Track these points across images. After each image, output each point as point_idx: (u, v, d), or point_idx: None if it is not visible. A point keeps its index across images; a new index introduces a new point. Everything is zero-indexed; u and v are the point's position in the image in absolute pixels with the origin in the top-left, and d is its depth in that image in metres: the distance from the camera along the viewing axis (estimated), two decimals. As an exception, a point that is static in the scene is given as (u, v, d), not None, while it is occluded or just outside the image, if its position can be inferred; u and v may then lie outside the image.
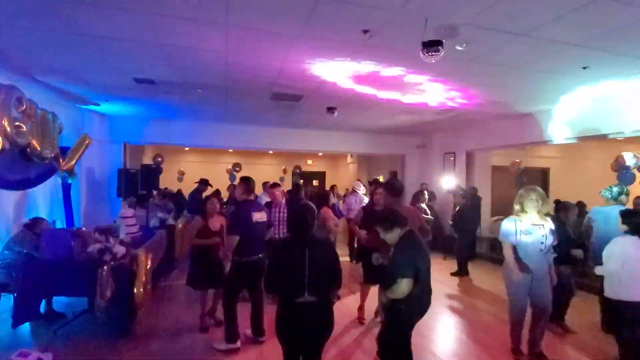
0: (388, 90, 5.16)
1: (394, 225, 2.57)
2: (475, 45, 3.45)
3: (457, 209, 6.73)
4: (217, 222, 4.03)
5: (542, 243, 3.17)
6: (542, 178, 9.76)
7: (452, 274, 6.36)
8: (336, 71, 4.36)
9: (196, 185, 7.43)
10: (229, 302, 3.51)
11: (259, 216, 3.53)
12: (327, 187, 14.02)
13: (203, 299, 4.06)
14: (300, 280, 2.28)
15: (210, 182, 7.66)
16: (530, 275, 3.20)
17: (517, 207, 3.28)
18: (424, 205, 7.27)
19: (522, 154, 8.73)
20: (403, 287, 2.42)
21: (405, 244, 2.55)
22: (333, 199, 7.11)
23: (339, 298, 2.49)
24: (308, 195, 8.63)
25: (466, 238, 6.45)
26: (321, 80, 4.72)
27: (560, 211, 4.01)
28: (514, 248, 3.23)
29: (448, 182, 8.29)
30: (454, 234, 7.77)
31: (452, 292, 5.51)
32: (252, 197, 3.63)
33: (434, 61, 3.20)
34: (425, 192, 7.49)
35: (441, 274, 6.33)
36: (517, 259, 3.21)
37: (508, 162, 8.37)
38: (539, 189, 3.31)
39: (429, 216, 7.19)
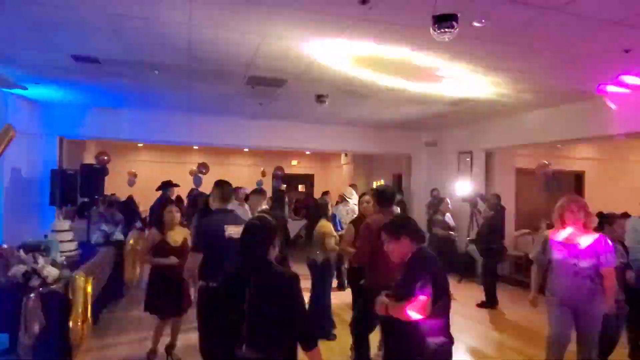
0: (390, 75, 5.20)
1: (402, 234, 2.47)
2: (496, 22, 3.49)
3: (482, 222, 6.76)
4: (178, 236, 4.03)
5: (574, 264, 3.25)
6: (575, 183, 9.98)
7: (480, 306, 6.26)
8: (327, 50, 4.37)
9: (160, 192, 7.26)
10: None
11: (234, 230, 3.36)
12: (314, 194, 14.06)
13: (158, 331, 4.04)
14: (237, 324, 1.98)
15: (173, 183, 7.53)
16: (570, 304, 3.31)
17: (556, 219, 3.43)
18: (448, 217, 7.32)
19: (552, 155, 8.91)
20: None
21: (420, 260, 2.42)
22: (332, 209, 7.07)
23: None
24: (293, 204, 8.63)
25: (493, 258, 6.43)
26: (309, 61, 4.72)
27: (604, 225, 4.05)
28: (540, 269, 3.48)
29: (463, 188, 8.37)
30: (470, 252, 7.86)
31: (472, 323, 5.52)
32: (228, 206, 3.60)
33: (447, 39, 3.23)
34: (448, 199, 7.53)
35: (459, 302, 6.11)
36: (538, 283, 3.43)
37: (535, 164, 8.53)
38: (581, 199, 3.48)
39: (452, 232, 7.25)
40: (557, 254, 3.35)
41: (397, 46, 4.19)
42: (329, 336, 4.72)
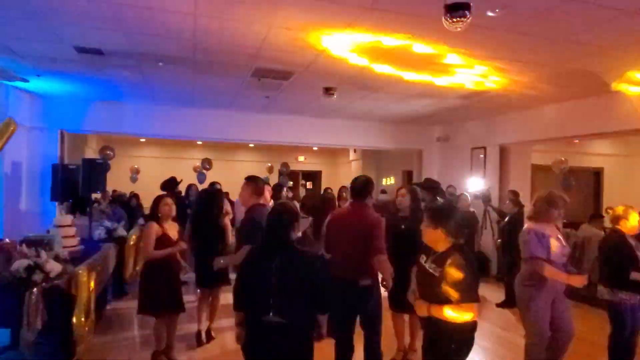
0: (401, 67, 5.20)
1: (443, 221, 2.52)
2: (512, 11, 3.48)
3: (506, 219, 6.71)
4: (173, 230, 4.11)
5: (563, 256, 3.52)
6: (594, 180, 9.91)
7: (500, 305, 6.22)
8: (336, 41, 4.38)
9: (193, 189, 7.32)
10: None
11: None
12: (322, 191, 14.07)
13: (160, 331, 4.05)
14: (265, 293, 2.45)
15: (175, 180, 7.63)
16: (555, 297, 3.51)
17: (545, 214, 3.63)
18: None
19: (570, 150, 8.85)
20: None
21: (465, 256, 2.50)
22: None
23: (321, 338, 2.60)
24: (289, 198, 8.64)
25: (515, 257, 6.39)
26: (316, 53, 4.74)
27: (620, 221, 4.03)
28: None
29: (475, 184, 8.34)
30: (484, 251, 7.82)
31: (491, 326, 5.49)
32: (262, 201, 3.81)
33: (459, 29, 3.24)
34: (467, 194, 7.45)
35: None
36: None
37: (551, 161, 8.48)
38: (565, 195, 3.71)
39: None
40: (554, 249, 3.48)
41: (407, 36, 4.19)
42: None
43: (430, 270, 2.51)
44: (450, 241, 2.52)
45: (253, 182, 3.83)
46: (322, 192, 8.61)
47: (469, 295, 2.42)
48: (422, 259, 2.63)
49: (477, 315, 2.46)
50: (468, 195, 7.29)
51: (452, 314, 2.42)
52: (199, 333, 4.64)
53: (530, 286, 3.50)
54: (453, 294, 2.40)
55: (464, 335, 2.50)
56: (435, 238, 2.55)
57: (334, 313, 3.54)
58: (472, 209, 7.25)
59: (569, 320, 3.55)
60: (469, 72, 5.35)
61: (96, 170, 6.78)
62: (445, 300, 2.44)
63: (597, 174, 9.95)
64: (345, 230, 3.45)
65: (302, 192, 13.51)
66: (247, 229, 3.67)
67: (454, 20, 3.19)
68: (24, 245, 3.85)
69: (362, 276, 3.33)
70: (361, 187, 3.54)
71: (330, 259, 3.55)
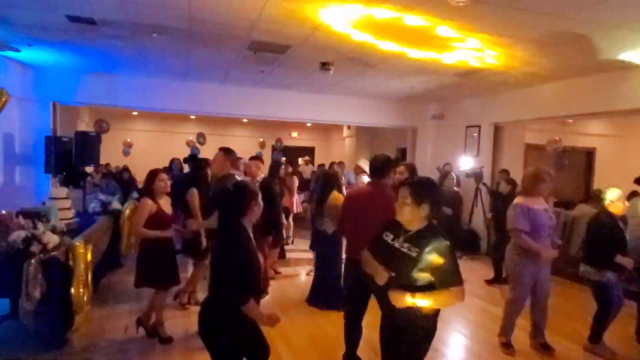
0: (398, 42, 5.16)
1: (426, 199, 2.31)
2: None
3: (501, 197, 6.81)
4: (167, 205, 4.09)
5: (549, 227, 3.85)
6: (586, 160, 10.03)
7: (490, 282, 6.33)
8: (334, 14, 4.32)
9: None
10: None
11: None
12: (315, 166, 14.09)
13: (162, 302, 4.10)
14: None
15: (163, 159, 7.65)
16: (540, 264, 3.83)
17: (532, 188, 3.90)
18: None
19: (563, 130, 8.93)
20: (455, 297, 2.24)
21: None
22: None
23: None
24: (290, 175, 8.70)
25: (505, 235, 6.49)
26: (314, 26, 4.68)
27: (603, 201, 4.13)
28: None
29: (467, 163, 8.42)
30: (471, 228, 7.96)
31: (476, 300, 5.63)
32: (234, 172, 3.95)
33: (461, 3, 3.21)
34: (454, 174, 7.53)
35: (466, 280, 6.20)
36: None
37: (545, 140, 8.56)
38: (550, 170, 3.93)
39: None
40: (540, 220, 3.78)
41: (407, 10, 4.15)
42: (339, 307, 4.82)
43: (405, 250, 2.29)
44: (427, 219, 2.34)
45: (229, 154, 4.05)
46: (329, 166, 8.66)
47: (454, 278, 2.23)
48: (388, 236, 2.43)
49: (464, 298, 2.25)
50: (454, 176, 7.38)
51: (438, 301, 2.25)
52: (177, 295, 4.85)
53: (518, 255, 3.88)
54: (436, 278, 2.23)
55: (430, 321, 2.35)
56: (415, 215, 2.32)
57: (348, 290, 3.55)
58: (456, 189, 7.35)
59: (547, 284, 4.00)
60: (465, 48, 5.32)
61: (89, 143, 6.74)
62: (424, 286, 2.23)
63: (590, 154, 10.07)
64: (365, 210, 3.29)
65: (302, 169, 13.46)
66: (218, 197, 3.66)
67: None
68: (20, 217, 3.86)
69: None
70: (381, 166, 3.42)
71: (346, 239, 3.60)
